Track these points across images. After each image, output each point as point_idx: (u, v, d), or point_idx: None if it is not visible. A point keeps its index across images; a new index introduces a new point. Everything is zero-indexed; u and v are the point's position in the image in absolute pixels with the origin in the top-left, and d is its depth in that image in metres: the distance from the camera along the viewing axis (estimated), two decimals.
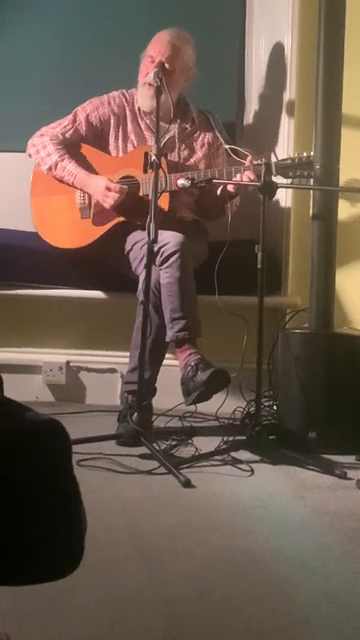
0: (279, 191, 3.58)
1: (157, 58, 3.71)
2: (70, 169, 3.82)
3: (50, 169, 3.85)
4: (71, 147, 3.88)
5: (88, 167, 3.84)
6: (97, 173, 3.82)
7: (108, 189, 3.74)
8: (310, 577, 2.26)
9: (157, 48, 3.76)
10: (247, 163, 3.64)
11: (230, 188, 3.66)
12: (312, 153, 3.64)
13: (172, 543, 2.47)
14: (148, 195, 3.49)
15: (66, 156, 3.83)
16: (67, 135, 3.88)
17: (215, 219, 3.89)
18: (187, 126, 3.92)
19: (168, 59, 3.72)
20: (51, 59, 4.34)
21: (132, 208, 3.76)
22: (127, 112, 3.90)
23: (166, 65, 3.69)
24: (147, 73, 3.70)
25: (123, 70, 3.95)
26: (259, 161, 3.57)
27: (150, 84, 3.64)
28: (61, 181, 3.85)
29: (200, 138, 3.93)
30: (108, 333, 4.11)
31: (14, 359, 4.07)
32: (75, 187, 3.83)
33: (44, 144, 3.86)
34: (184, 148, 3.90)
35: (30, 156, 3.91)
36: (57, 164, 3.83)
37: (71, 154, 3.85)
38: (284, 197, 4.05)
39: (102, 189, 3.76)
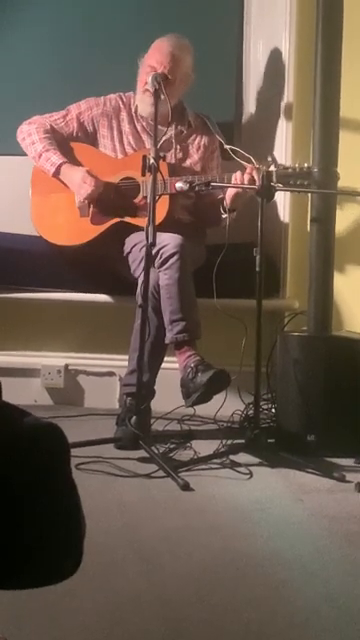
0: (277, 194, 3.58)
1: (158, 69, 3.69)
2: (53, 160, 3.80)
3: (34, 159, 3.85)
4: (64, 142, 3.87)
5: (88, 166, 3.83)
6: (97, 172, 3.80)
7: (84, 181, 3.74)
8: (309, 580, 2.26)
9: (158, 58, 3.74)
10: (247, 171, 3.63)
11: (228, 200, 3.65)
12: (312, 162, 3.65)
13: (171, 546, 2.47)
14: (146, 197, 3.49)
15: (52, 147, 3.82)
16: (56, 127, 3.88)
17: (209, 226, 3.89)
18: (183, 129, 3.92)
19: (169, 70, 3.70)
20: (50, 62, 4.34)
21: (130, 209, 3.77)
22: (123, 114, 3.90)
23: (168, 77, 3.67)
24: (147, 82, 3.68)
25: (122, 73, 3.94)
26: (259, 166, 3.56)
27: (150, 91, 3.63)
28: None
29: (196, 141, 3.93)
30: (107, 336, 4.10)
31: (13, 362, 4.07)
32: (57, 178, 3.81)
33: (30, 132, 3.86)
34: (179, 150, 3.90)
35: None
36: (41, 155, 3.82)
37: (63, 148, 3.84)
38: (282, 200, 4.05)
39: (78, 180, 3.76)
